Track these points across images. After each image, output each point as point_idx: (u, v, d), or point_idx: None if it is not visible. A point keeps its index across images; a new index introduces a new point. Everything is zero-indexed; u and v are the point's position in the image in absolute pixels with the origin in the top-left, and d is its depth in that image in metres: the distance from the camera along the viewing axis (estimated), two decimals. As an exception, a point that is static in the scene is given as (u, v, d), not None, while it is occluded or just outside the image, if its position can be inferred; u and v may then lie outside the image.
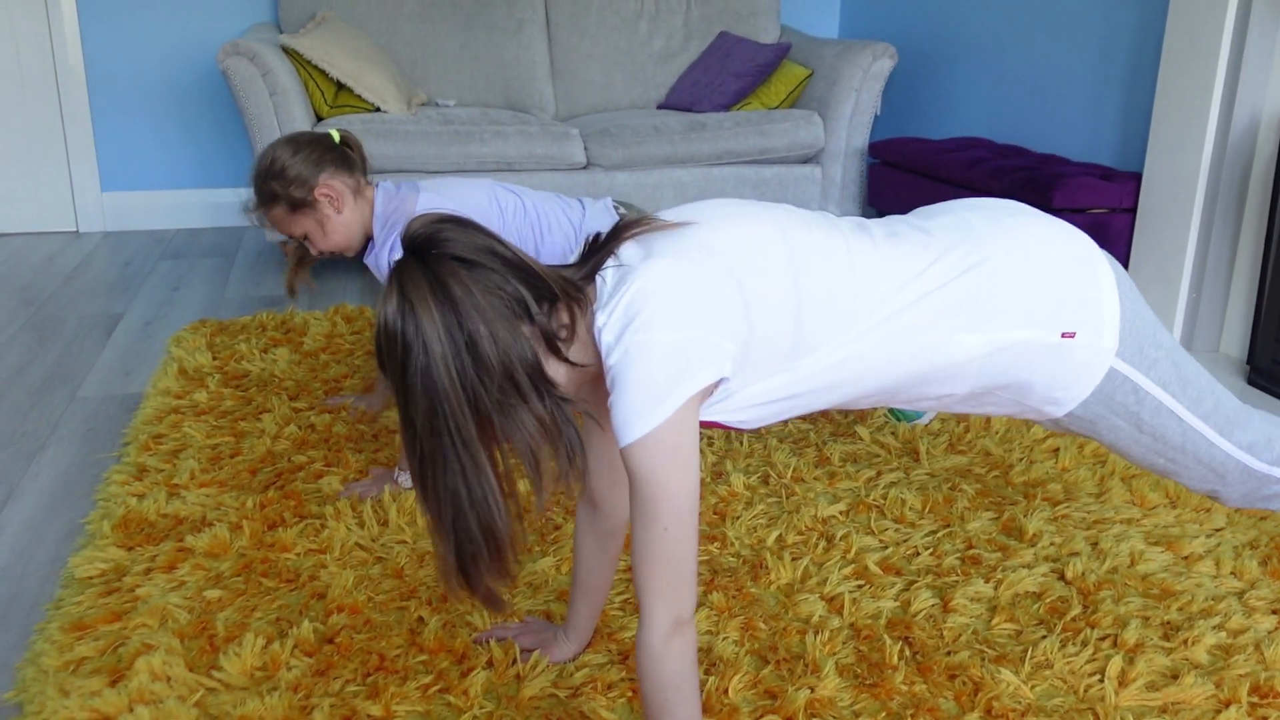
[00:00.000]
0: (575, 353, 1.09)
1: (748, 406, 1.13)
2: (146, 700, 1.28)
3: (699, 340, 1.04)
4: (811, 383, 1.13)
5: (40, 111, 3.90)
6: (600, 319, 1.05)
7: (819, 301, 1.11)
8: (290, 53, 3.37)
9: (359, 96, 3.45)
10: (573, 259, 1.13)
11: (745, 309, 1.07)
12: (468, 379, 0.99)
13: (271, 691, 1.30)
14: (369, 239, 1.92)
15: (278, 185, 1.83)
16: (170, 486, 1.85)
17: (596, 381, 1.11)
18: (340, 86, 3.45)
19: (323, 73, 3.40)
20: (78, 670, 1.35)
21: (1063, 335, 1.13)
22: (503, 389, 1.00)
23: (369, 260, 1.92)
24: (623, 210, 2.01)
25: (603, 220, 1.97)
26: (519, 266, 1.04)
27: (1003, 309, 1.12)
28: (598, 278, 1.09)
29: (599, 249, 1.11)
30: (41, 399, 2.34)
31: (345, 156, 1.88)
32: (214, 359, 2.49)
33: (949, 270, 1.13)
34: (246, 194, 1.91)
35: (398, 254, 1.84)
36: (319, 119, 3.40)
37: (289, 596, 1.52)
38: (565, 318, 1.08)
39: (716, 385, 1.07)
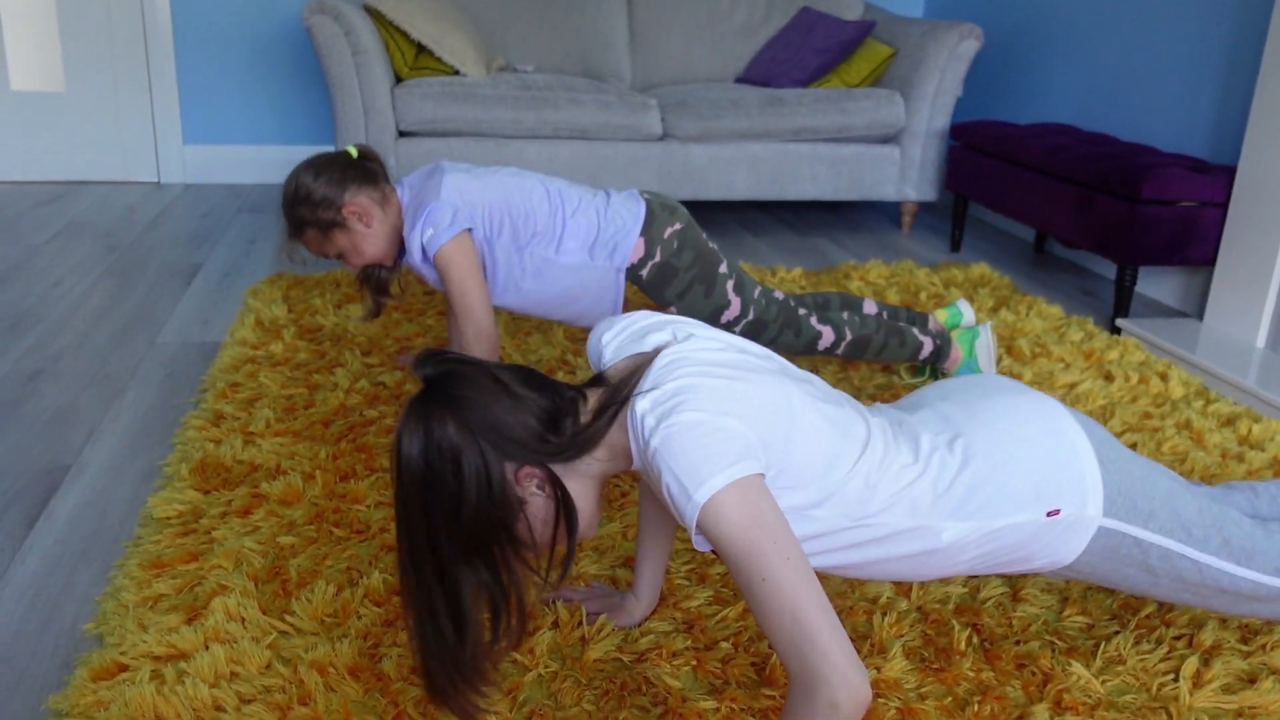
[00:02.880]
0: (600, 453, 1.09)
1: None
2: (221, 639, 1.31)
3: (744, 433, 1.01)
4: (823, 526, 1.12)
5: (127, 64, 3.97)
6: (641, 404, 1.03)
7: (841, 470, 1.09)
8: (373, 13, 3.39)
9: (438, 59, 3.46)
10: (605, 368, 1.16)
11: (789, 431, 1.06)
12: (437, 521, 0.99)
13: (341, 638, 1.32)
14: (404, 246, 1.94)
15: (306, 210, 1.87)
16: (246, 434, 1.89)
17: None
18: (420, 48, 3.47)
19: (404, 34, 3.42)
20: (155, 606, 1.39)
21: (1048, 514, 1.13)
22: (458, 547, 1.00)
23: (406, 261, 1.95)
24: (648, 196, 2.01)
25: (629, 206, 1.97)
26: (531, 413, 1.04)
27: (988, 502, 1.12)
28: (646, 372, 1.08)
29: (640, 368, 1.10)
30: (122, 343, 2.39)
31: (367, 171, 1.91)
32: (289, 312, 2.53)
33: (935, 477, 1.12)
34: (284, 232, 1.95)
35: (429, 231, 1.86)
36: (399, 79, 3.42)
37: (359, 547, 1.54)
38: (585, 422, 1.08)
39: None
